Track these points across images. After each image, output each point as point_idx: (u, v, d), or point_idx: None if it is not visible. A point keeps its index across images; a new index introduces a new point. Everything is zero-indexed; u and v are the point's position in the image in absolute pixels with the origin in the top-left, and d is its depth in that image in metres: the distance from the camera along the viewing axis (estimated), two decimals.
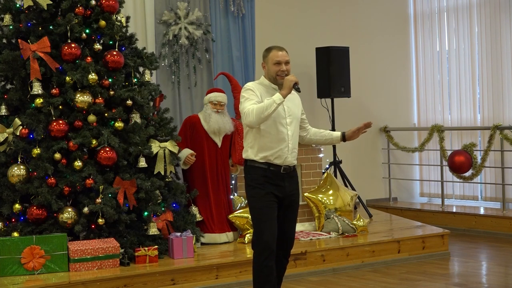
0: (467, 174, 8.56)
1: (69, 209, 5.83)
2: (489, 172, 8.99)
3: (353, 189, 8.04)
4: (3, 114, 6.04)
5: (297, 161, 4.66)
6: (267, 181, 4.48)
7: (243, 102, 4.46)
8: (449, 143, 9.29)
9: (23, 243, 5.59)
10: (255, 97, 4.45)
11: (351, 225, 6.97)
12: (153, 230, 6.03)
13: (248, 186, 4.58)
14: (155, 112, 6.55)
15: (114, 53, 6.17)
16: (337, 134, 4.83)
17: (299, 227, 7.14)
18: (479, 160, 8.48)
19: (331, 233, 6.90)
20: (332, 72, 8.31)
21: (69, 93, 5.95)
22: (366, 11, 9.61)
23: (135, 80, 6.34)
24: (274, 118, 4.45)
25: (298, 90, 4.48)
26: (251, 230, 6.60)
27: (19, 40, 6.01)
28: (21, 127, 5.91)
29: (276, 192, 4.49)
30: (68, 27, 6.03)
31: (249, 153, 4.57)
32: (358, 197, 8.03)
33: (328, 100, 8.53)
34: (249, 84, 4.56)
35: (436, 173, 9.55)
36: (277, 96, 4.37)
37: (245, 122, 4.42)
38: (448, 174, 8.98)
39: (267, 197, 4.47)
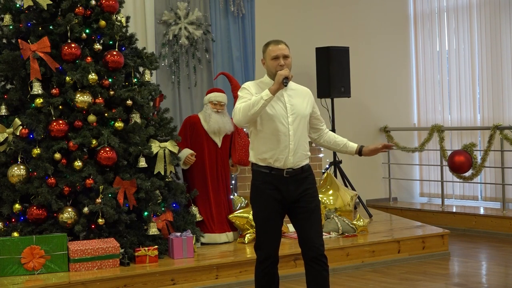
0: (467, 174, 8.56)
1: (69, 209, 5.83)
2: (489, 172, 8.99)
3: (353, 189, 8.04)
4: (3, 114, 6.03)
5: (308, 160, 4.31)
6: (270, 187, 4.21)
7: (237, 102, 4.25)
8: (449, 143, 9.29)
9: (23, 243, 5.59)
10: (248, 95, 4.20)
11: (351, 225, 6.96)
12: (153, 230, 6.03)
13: (251, 191, 4.35)
14: (155, 112, 6.55)
15: (114, 53, 6.16)
16: (353, 147, 4.52)
17: None
18: (479, 160, 8.48)
19: (331, 233, 6.90)
20: (332, 72, 8.31)
21: (69, 93, 5.94)
22: (366, 11, 9.61)
23: (135, 80, 6.34)
24: (273, 116, 4.18)
25: (285, 85, 4.09)
26: (251, 230, 6.60)
27: (19, 40, 6.01)
28: (21, 127, 5.91)
29: (280, 198, 4.21)
30: (68, 27, 6.03)
31: (251, 156, 4.33)
32: (358, 197, 8.03)
33: (328, 100, 8.52)
34: (246, 83, 4.34)
35: (436, 173, 9.55)
36: (265, 92, 4.04)
37: (234, 120, 4.24)
38: (448, 174, 8.97)
39: (269, 206, 4.23)
